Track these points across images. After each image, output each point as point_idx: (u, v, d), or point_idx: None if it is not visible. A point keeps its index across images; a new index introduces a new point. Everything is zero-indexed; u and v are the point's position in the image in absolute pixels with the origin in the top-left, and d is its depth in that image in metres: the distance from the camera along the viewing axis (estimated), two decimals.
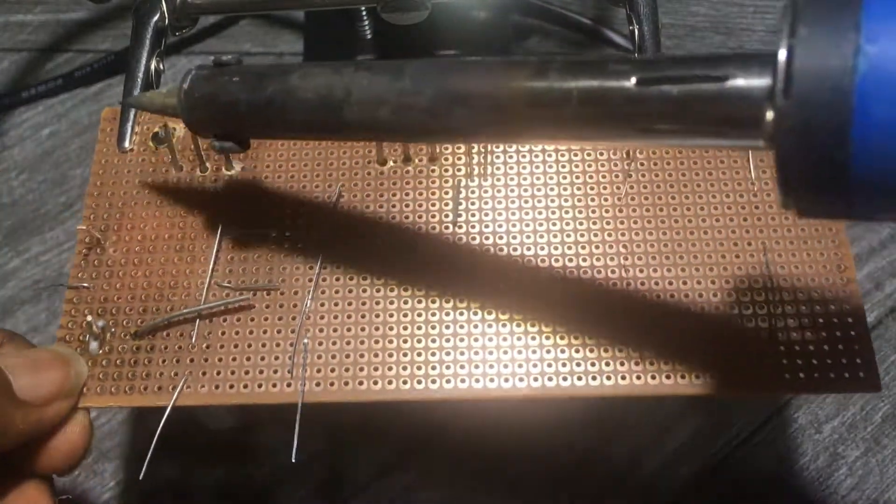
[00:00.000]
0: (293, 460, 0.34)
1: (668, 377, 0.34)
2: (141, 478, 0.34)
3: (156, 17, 0.42)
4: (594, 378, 0.35)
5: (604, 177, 0.38)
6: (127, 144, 0.40)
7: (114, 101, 0.61)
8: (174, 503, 0.49)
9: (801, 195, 0.23)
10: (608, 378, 0.35)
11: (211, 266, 0.37)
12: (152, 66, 0.41)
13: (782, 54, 0.21)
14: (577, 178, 0.38)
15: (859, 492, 0.48)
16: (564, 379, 0.35)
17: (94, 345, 0.36)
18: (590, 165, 0.38)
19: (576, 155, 0.39)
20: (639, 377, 0.35)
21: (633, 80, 0.24)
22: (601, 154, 0.39)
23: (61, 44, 0.64)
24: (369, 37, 0.56)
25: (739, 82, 0.23)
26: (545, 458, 0.49)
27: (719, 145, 0.30)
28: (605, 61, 0.25)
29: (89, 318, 0.36)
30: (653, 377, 0.35)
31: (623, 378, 0.35)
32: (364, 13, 0.55)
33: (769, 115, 0.22)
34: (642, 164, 0.38)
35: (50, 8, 0.65)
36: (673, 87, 0.24)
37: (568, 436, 0.49)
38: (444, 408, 0.50)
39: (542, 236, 0.37)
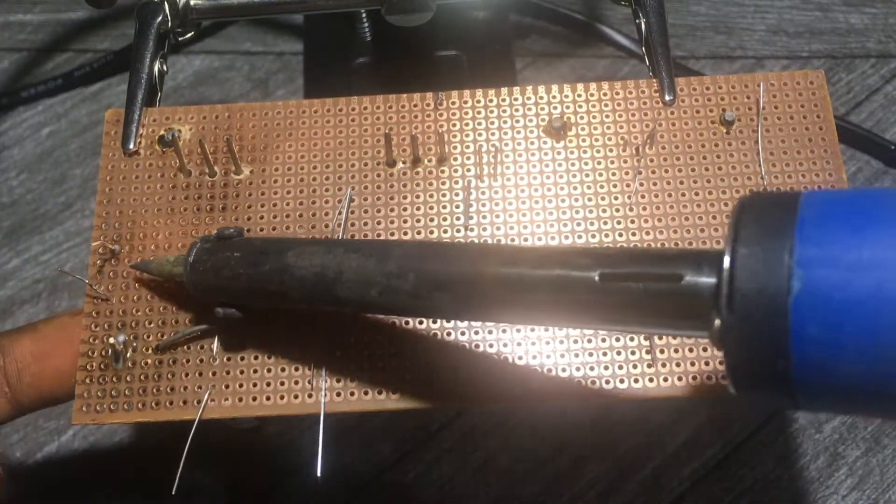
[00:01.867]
0: (318, 474, 0.34)
1: (679, 379, 0.35)
2: (174, 492, 0.35)
3: (159, 19, 0.41)
4: (607, 382, 0.35)
5: (613, 174, 0.38)
6: (132, 146, 0.39)
7: (114, 101, 0.61)
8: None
9: (750, 393, 0.25)
10: (621, 381, 0.35)
11: None
12: (156, 69, 0.41)
13: (726, 265, 0.24)
14: (587, 175, 0.38)
15: (859, 492, 0.48)
16: (578, 383, 0.35)
17: (117, 360, 0.36)
18: (599, 163, 0.38)
19: (585, 153, 0.39)
20: (651, 379, 0.35)
21: (597, 274, 0.27)
22: (611, 151, 0.39)
23: (61, 44, 0.64)
24: (369, 38, 0.56)
25: (691, 282, 0.25)
26: (545, 458, 0.49)
27: (677, 334, 0.34)
28: (570, 253, 0.28)
29: (112, 340, 0.36)
30: (665, 379, 0.35)
31: (636, 381, 0.35)
32: (364, 15, 0.55)
33: (717, 322, 0.25)
34: (652, 161, 0.38)
35: (50, 8, 0.65)
36: (632, 283, 0.26)
37: (568, 436, 0.50)
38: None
39: (552, 238, 0.37)
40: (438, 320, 0.36)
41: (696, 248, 0.36)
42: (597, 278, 0.27)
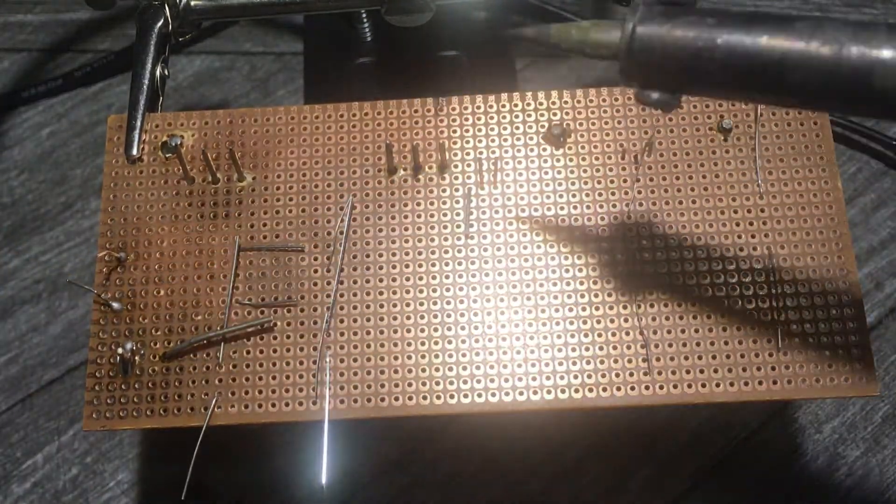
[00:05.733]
0: (323, 482, 0.35)
1: (674, 387, 0.35)
2: (183, 497, 0.35)
3: (160, 23, 0.41)
4: (605, 389, 0.35)
5: (612, 182, 0.38)
6: (135, 152, 0.39)
7: (114, 101, 0.61)
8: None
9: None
10: (618, 389, 0.35)
11: (231, 284, 0.37)
12: (157, 73, 0.41)
13: None
14: (586, 183, 0.38)
15: (859, 492, 0.48)
16: (577, 391, 0.35)
17: (125, 369, 0.36)
18: (598, 170, 0.38)
19: (584, 160, 0.39)
20: (647, 387, 0.35)
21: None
22: (609, 158, 0.39)
23: (61, 44, 0.64)
24: (369, 39, 0.56)
25: None
26: (545, 458, 0.49)
27: None
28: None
29: (120, 350, 0.36)
30: (660, 387, 0.35)
31: (632, 389, 0.35)
32: (364, 15, 0.55)
33: None
34: (650, 168, 0.38)
35: (50, 8, 0.65)
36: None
37: (568, 435, 0.50)
38: None
39: (552, 245, 0.37)
40: (435, 335, 0.36)
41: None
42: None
